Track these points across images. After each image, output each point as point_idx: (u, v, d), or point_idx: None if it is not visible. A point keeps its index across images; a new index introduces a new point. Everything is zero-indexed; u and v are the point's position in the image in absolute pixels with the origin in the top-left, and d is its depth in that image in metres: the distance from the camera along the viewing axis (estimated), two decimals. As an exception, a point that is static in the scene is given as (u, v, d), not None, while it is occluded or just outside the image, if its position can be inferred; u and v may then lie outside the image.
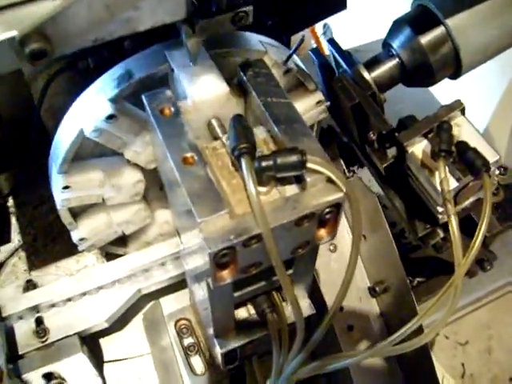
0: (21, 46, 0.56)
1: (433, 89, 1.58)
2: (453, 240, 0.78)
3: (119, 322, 1.11)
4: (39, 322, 1.02)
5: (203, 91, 0.77)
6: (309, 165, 0.65)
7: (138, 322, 1.17)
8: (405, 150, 0.93)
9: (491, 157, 0.90)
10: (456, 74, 1.05)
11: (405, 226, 1.04)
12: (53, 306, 1.02)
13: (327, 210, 0.68)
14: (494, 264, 1.17)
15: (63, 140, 0.89)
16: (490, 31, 1.00)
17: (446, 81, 1.09)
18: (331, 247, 1.15)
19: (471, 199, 0.95)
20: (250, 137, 0.66)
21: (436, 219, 0.95)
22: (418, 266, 1.28)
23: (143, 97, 0.75)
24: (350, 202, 0.68)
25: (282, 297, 0.90)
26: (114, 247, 1.13)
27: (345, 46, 1.14)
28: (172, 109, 0.73)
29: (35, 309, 1.01)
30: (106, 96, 0.84)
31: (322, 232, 0.72)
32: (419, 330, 0.80)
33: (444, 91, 1.42)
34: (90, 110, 0.85)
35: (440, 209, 0.93)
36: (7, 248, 1.28)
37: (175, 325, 1.14)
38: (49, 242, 1.29)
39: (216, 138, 0.76)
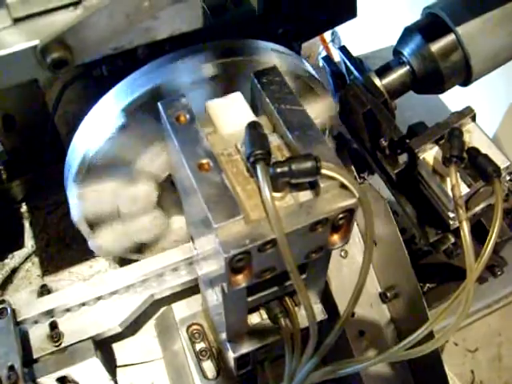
0: (42, 55, 0.58)
1: (442, 96, 1.59)
2: (464, 245, 0.78)
3: (132, 327, 1.12)
4: (53, 326, 1.03)
5: (231, 125, 0.76)
6: (323, 171, 0.66)
7: (150, 327, 1.18)
8: (416, 157, 0.94)
9: (502, 163, 0.90)
10: (466, 81, 1.06)
11: (416, 232, 1.05)
12: (67, 310, 1.03)
13: (340, 215, 0.68)
14: (505, 270, 1.18)
15: (78, 150, 0.90)
16: (501, 38, 1.01)
17: (456, 88, 1.10)
18: (342, 253, 1.16)
19: (482, 205, 0.95)
20: (265, 143, 0.67)
21: (447, 225, 0.96)
22: (429, 272, 1.28)
23: (159, 104, 0.76)
24: (362, 207, 0.69)
25: (295, 302, 0.91)
26: (130, 253, 1.14)
27: (353, 53, 1.15)
28: (187, 116, 0.74)
29: (49, 313, 1.02)
30: (120, 106, 0.85)
31: (335, 237, 0.73)
32: (430, 336, 0.80)
33: (453, 98, 1.43)
34: (103, 120, 0.86)
35: (451, 214, 0.93)
36: (21, 253, 1.30)
37: (187, 330, 1.14)
38: (62, 247, 1.30)
39: (230, 144, 0.78)
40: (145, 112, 0.87)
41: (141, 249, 1.13)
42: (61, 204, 1.33)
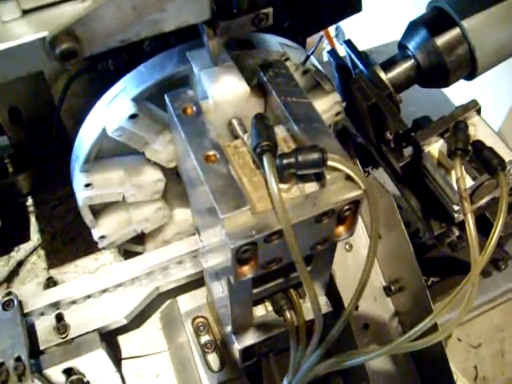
0: (51, 46, 0.58)
1: (447, 90, 1.59)
2: (469, 237, 0.79)
3: (137, 320, 1.12)
4: (59, 318, 1.03)
5: (224, 91, 0.79)
6: (329, 162, 0.66)
7: (155, 320, 1.18)
8: (421, 150, 0.94)
9: (507, 156, 0.90)
10: (471, 74, 1.06)
11: (420, 225, 1.05)
12: (73, 302, 1.04)
13: (346, 207, 0.69)
14: (509, 264, 1.18)
15: (86, 138, 0.91)
16: (506, 32, 1.01)
17: (461, 82, 1.11)
18: (347, 246, 1.16)
19: (487, 198, 0.96)
20: (271, 135, 0.68)
21: (452, 218, 0.96)
22: (433, 265, 1.29)
23: (166, 96, 0.77)
24: (368, 199, 0.69)
25: (299, 294, 0.92)
26: (132, 245, 1.15)
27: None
28: (194, 108, 0.75)
29: (56, 305, 1.03)
30: (129, 96, 0.85)
31: (341, 229, 0.74)
32: (434, 329, 0.81)
33: (458, 92, 1.43)
34: (112, 110, 0.87)
35: (456, 207, 0.94)
36: (27, 246, 1.31)
37: (192, 322, 1.15)
38: (67, 240, 1.31)
39: (236, 137, 0.78)
40: (154, 102, 0.88)
41: (143, 239, 1.14)
42: (66, 198, 1.34)
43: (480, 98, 0.99)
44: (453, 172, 0.89)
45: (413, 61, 1.06)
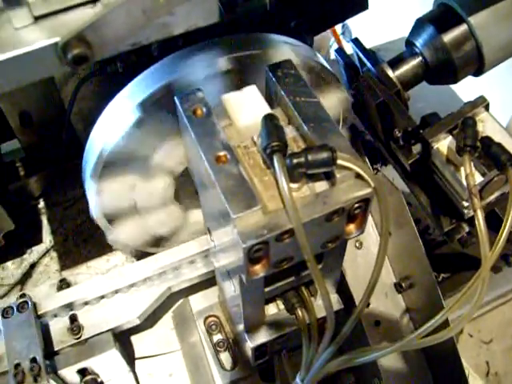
0: (63, 51, 0.59)
1: (455, 86, 1.59)
2: (479, 233, 0.79)
3: (150, 320, 1.13)
4: (73, 319, 1.04)
5: (248, 118, 0.77)
6: (339, 161, 0.67)
7: (167, 320, 1.19)
8: (430, 147, 0.95)
9: (516, 151, 0.91)
10: (479, 71, 1.06)
11: (430, 222, 1.05)
12: (86, 303, 1.05)
13: (356, 205, 0.69)
14: (519, 259, 1.18)
15: (95, 145, 0.92)
16: (513, 28, 1.02)
17: (468, 78, 1.11)
18: (357, 244, 1.17)
19: (496, 194, 0.96)
20: (281, 135, 0.68)
21: (461, 214, 0.96)
22: (443, 262, 1.29)
23: (175, 98, 0.78)
24: (378, 197, 0.70)
25: (311, 292, 0.92)
26: (148, 247, 1.15)
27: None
28: (204, 109, 0.75)
29: (69, 306, 1.04)
30: (136, 101, 0.86)
31: (351, 227, 0.74)
32: (446, 325, 0.81)
33: (466, 89, 1.43)
34: (120, 116, 0.87)
35: (465, 203, 0.94)
36: (39, 249, 1.32)
37: (204, 322, 1.16)
38: (79, 242, 1.32)
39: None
40: (161, 107, 0.89)
41: (158, 242, 1.14)
42: (78, 199, 1.36)
43: (488, 94, 0.99)
44: (462, 168, 0.89)
45: (420, 58, 1.06)
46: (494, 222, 0.89)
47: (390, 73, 1.05)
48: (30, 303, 1.00)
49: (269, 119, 0.70)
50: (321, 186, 0.70)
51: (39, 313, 1.01)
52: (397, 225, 1.10)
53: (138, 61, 1.03)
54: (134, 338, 1.18)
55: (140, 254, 1.17)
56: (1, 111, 1.24)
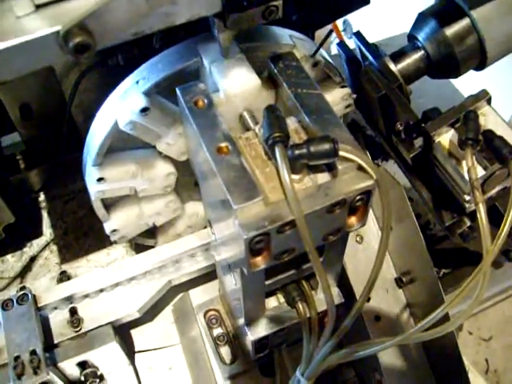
0: (64, 40, 0.59)
1: (455, 81, 1.59)
2: (481, 226, 0.79)
3: (150, 313, 1.13)
4: (73, 312, 1.04)
5: (235, 84, 0.79)
6: (340, 153, 0.66)
7: (167, 313, 1.19)
8: (432, 140, 0.94)
9: (518, 145, 0.91)
10: (481, 64, 1.06)
11: (431, 216, 1.05)
12: (86, 296, 1.05)
13: (358, 197, 0.69)
14: (520, 255, 1.18)
15: (98, 133, 0.92)
16: (515, 22, 1.01)
17: (469, 72, 1.10)
18: (358, 238, 1.17)
19: (497, 188, 0.96)
20: (283, 126, 0.68)
21: (463, 208, 0.96)
22: (444, 257, 1.29)
23: (177, 90, 0.77)
24: (380, 189, 0.69)
25: (311, 286, 0.92)
26: (144, 239, 1.15)
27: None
28: (205, 100, 0.75)
29: (69, 299, 1.04)
30: (140, 89, 0.86)
31: (353, 219, 0.74)
32: (446, 320, 0.81)
33: (467, 82, 1.43)
34: (124, 103, 0.87)
35: (467, 197, 0.94)
36: (39, 242, 1.32)
37: (204, 316, 1.16)
38: (80, 235, 1.32)
39: (248, 129, 0.78)
40: (165, 95, 0.89)
41: (154, 233, 1.14)
42: (78, 193, 1.36)
43: (489, 88, 0.99)
44: (464, 162, 0.89)
45: (422, 52, 1.06)
46: (495, 216, 0.89)
47: (392, 66, 1.05)
48: (30, 296, 1.00)
49: (271, 110, 0.70)
50: (322, 177, 0.69)
51: (39, 305, 1.01)
52: (398, 219, 1.10)
53: (139, 53, 1.03)
54: (134, 332, 1.17)
55: (140, 248, 1.17)
56: (1, 104, 1.24)
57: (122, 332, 1.11)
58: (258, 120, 0.78)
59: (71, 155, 1.23)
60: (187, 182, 1.06)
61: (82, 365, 1.04)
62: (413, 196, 1.15)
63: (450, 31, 1.01)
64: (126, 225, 1.06)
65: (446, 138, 0.94)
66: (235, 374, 1.12)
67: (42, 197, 1.38)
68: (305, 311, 0.89)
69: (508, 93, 1.78)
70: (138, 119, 0.86)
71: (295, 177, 0.68)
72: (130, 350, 1.15)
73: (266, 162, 0.71)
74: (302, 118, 0.74)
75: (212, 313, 1.16)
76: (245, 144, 0.73)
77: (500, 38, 1.03)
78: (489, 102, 0.96)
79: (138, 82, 0.87)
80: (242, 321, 0.95)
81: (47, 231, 1.33)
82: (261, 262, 0.70)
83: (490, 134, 0.89)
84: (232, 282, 0.90)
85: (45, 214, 1.35)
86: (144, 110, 0.85)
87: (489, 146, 0.88)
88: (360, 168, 0.69)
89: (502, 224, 0.79)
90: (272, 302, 0.95)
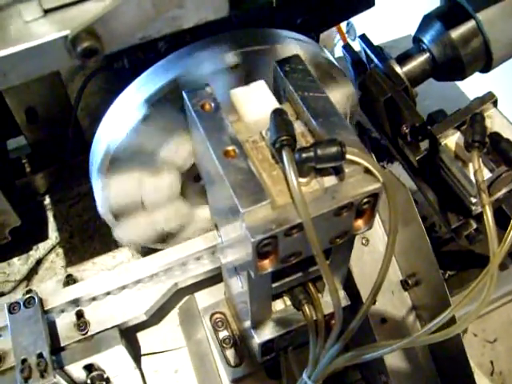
0: (73, 44, 0.59)
1: (461, 84, 1.58)
2: (487, 228, 0.79)
3: (156, 316, 1.13)
4: (80, 315, 1.04)
5: (257, 113, 0.78)
6: (347, 156, 0.66)
7: (173, 316, 1.19)
8: (438, 143, 0.94)
9: (525, 148, 0.90)
10: (487, 67, 1.06)
11: (437, 219, 1.05)
12: (93, 299, 1.05)
13: (365, 200, 0.69)
14: (527, 256, 1.17)
15: (102, 141, 0.92)
16: (521, 24, 1.01)
17: (474, 74, 1.10)
18: (364, 241, 1.17)
19: (504, 190, 0.96)
20: (290, 130, 0.68)
21: (469, 210, 0.96)
22: (449, 259, 1.29)
23: (184, 93, 0.78)
24: (387, 192, 0.69)
25: (318, 288, 0.92)
26: (154, 243, 1.15)
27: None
28: (212, 104, 0.76)
29: (76, 302, 1.04)
30: (143, 97, 0.86)
31: (360, 222, 0.74)
32: (452, 322, 0.81)
33: (473, 85, 1.43)
34: (127, 111, 0.87)
35: (473, 200, 0.94)
36: (45, 245, 1.32)
37: (210, 318, 1.16)
38: (85, 238, 1.32)
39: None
40: (168, 102, 0.89)
41: (165, 239, 1.14)
42: (83, 196, 1.36)
43: (495, 90, 0.99)
44: (470, 164, 0.89)
45: (428, 54, 1.06)
46: (501, 219, 0.89)
47: (397, 69, 1.05)
48: (36, 299, 1.00)
49: (278, 114, 0.70)
50: (329, 180, 0.70)
51: (46, 308, 1.01)
52: (404, 222, 1.10)
53: (145, 57, 1.03)
54: (140, 335, 1.17)
55: (146, 251, 1.17)
56: (7, 107, 1.24)
57: (129, 335, 1.11)
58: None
59: (77, 158, 1.23)
60: (194, 186, 1.06)
61: (89, 368, 1.04)
62: (418, 198, 1.15)
63: (456, 33, 1.01)
64: (135, 231, 1.06)
65: (452, 140, 0.95)
66: (241, 377, 1.12)
67: (47, 200, 1.38)
68: (311, 314, 0.89)
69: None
70: (141, 127, 0.86)
71: (302, 180, 0.68)
72: (136, 353, 1.15)
73: (273, 165, 0.71)
74: (309, 122, 0.74)
75: (218, 315, 1.16)
76: (252, 147, 0.73)
77: (505, 40, 1.03)
78: (495, 104, 0.96)
79: (140, 90, 0.87)
80: (248, 323, 0.95)
81: (53, 234, 1.33)
82: (268, 265, 0.70)
83: (496, 137, 0.89)
84: (238, 284, 0.90)
85: (50, 217, 1.36)
86: (146, 118, 0.86)
87: (495, 148, 0.88)
88: (367, 171, 0.69)
89: (510, 226, 0.79)
90: (278, 305, 0.95)
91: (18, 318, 0.97)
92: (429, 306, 1.13)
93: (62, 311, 1.04)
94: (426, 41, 1.05)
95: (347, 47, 1.17)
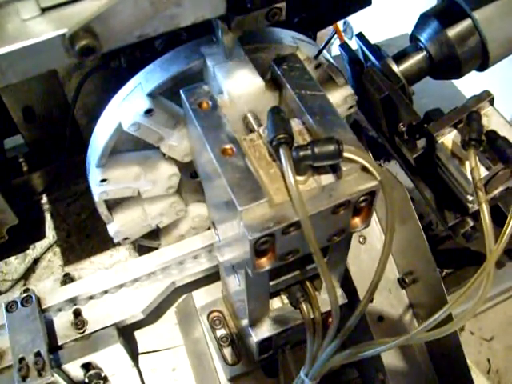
0: (70, 43, 0.59)
1: (457, 82, 1.59)
2: (484, 226, 0.79)
3: (153, 315, 1.14)
4: (77, 313, 1.04)
5: (239, 86, 0.79)
6: (345, 154, 0.67)
7: (171, 315, 1.20)
8: (435, 141, 0.95)
9: (521, 145, 0.91)
10: (483, 65, 1.06)
11: (434, 216, 1.05)
12: (90, 298, 1.05)
13: (362, 198, 0.70)
14: (523, 254, 1.18)
15: (101, 134, 0.92)
16: (518, 23, 1.02)
17: (471, 74, 1.11)
18: (361, 239, 1.17)
19: (500, 188, 0.96)
20: (287, 128, 0.68)
21: (466, 208, 0.96)
22: (446, 257, 1.29)
23: (181, 92, 0.78)
24: (384, 190, 0.70)
25: (315, 286, 0.92)
26: (147, 240, 1.16)
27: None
28: (210, 102, 0.76)
29: (73, 301, 1.04)
30: (144, 91, 0.86)
31: (357, 220, 0.74)
32: (449, 320, 0.81)
33: (469, 83, 1.43)
34: (128, 105, 0.88)
35: (470, 198, 0.94)
36: (42, 244, 1.32)
37: (208, 317, 1.16)
38: (82, 237, 1.33)
39: (252, 130, 0.79)
40: (169, 97, 0.89)
41: (158, 235, 1.15)
42: (81, 195, 1.36)
43: (492, 88, 0.99)
44: (467, 162, 0.89)
45: (425, 53, 1.07)
46: (498, 218, 0.90)
47: (394, 67, 1.05)
48: (34, 297, 1.00)
49: (275, 112, 0.70)
50: (327, 178, 0.70)
51: (43, 307, 1.01)
52: (401, 220, 1.10)
53: (142, 56, 1.03)
54: (138, 333, 1.18)
55: (143, 250, 1.17)
56: (4, 106, 1.24)
57: (126, 333, 1.11)
58: (262, 122, 0.78)
59: (74, 157, 1.23)
60: (190, 183, 1.06)
61: (86, 366, 1.05)
62: (415, 196, 1.16)
63: (452, 32, 1.01)
64: (130, 226, 1.06)
65: (448, 138, 0.95)
66: (239, 375, 1.12)
67: (44, 199, 1.38)
68: (309, 312, 0.90)
69: (510, 93, 1.78)
70: (142, 121, 0.87)
71: (300, 178, 0.68)
72: (133, 352, 1.15)
73: (271, 163, 0.71)
74: (306, 120, 0.74)
75: (215, 314, 1.16)
76: (249, 145, 0.73)
77: (502, 38, 1.03)
78: (491, 102, 0.96)
79: (142, 84, 0.87)
80: (245, 322, 0.95)
81: (50, 233, 1.33)
82: (265, 262, 0.71)
83: (492, 135, 0.89)
84: (236, 282, 0.90)
85: (48, 216, 1.36)
86: (148, 112, 0.86)
87: (492, 146, 0.89)
88: (364, 169, 0.69)
89: (506, 223, 0.79)
90: (276, 303, 0.95)
91: (16, 317, 0.98)
92: (426, 304, 1.14)
93: (60, 310, 1.04)
94: (422, 39, 1.06)
95: (344, 46, 1.17)
